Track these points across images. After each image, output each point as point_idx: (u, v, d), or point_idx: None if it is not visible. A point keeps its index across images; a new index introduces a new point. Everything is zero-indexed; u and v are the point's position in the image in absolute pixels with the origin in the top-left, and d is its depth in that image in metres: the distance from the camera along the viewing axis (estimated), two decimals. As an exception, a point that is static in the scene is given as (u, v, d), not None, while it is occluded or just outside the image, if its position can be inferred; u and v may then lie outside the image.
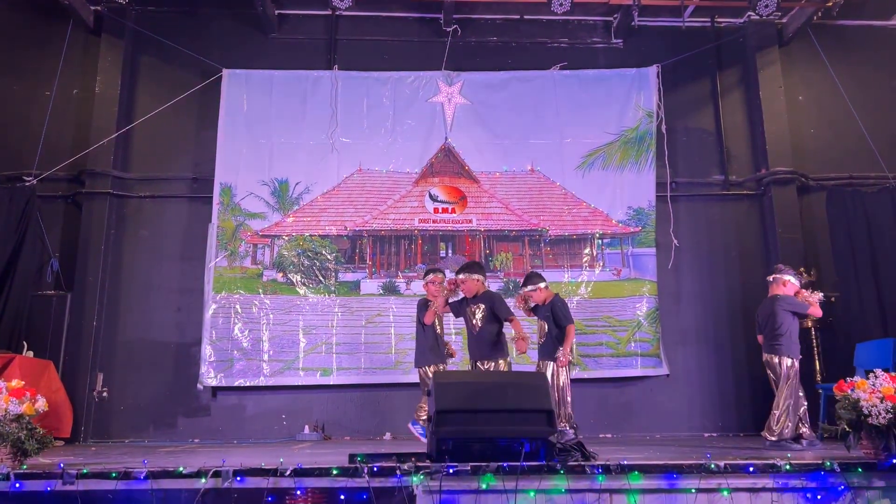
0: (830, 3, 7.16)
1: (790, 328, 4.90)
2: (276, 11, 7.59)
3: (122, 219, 7.18)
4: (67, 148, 7.10)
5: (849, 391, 3.56)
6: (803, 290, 5.11)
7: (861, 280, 6.79)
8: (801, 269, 6.70)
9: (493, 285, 6.43)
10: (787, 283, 5.07)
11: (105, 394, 6.71)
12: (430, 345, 5.22)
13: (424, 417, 4.70)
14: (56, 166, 6.94)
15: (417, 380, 5.36)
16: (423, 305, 5.33)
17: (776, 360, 4.86)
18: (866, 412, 3.44)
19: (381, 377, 6.82)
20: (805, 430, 4.81)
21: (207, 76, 7.32)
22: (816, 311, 5.06)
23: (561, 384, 5.25)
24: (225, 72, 7.34)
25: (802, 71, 7.78)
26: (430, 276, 5.41)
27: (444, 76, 7.51)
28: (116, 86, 7.26)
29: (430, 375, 4.86)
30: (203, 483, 3.21)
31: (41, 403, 3.51)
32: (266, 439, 6.57)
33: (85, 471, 3.21)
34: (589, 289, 7.13)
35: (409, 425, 5.07)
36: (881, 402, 3.41)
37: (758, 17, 7.27)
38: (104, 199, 7.03)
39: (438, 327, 5.29)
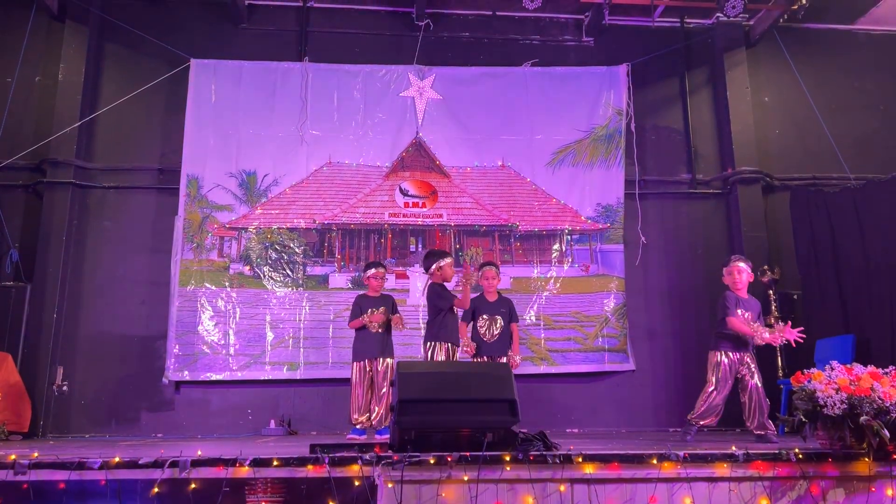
0: (796, 6, 7.29)
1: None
2: (247, 2, 7.49)
3: (85, 209, 7.03)
4: (29, 136, 6.92)
5: (805, 382, 3.61)
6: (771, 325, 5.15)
7: (823, 278, 6.90)
8: (765, 266, 6.82)
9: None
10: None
11: (65, 388, 6.57)
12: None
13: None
14: (16, 155, 6.75)
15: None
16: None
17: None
18: (822, 403, 3.48)
19: (348, 372, 6.70)
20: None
21: (175, 65, 7.20)
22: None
23: None
24: (193, 62, 7.22)
25: (768, 72, 7.92)
26: (373, 271, 5.55)
27: (416, 70, 7.48)
28: (80, 73, 7.09)
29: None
30: (160, 474, 3.14)
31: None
32: (231, 434, 6.48)
33: (37, 459, 3.12)
34: (557, 284, 7.18)
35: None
36: (836, 392, 3.46)
37: (725, 19, 7.39)
38: (66, 188, 6.87)
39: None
